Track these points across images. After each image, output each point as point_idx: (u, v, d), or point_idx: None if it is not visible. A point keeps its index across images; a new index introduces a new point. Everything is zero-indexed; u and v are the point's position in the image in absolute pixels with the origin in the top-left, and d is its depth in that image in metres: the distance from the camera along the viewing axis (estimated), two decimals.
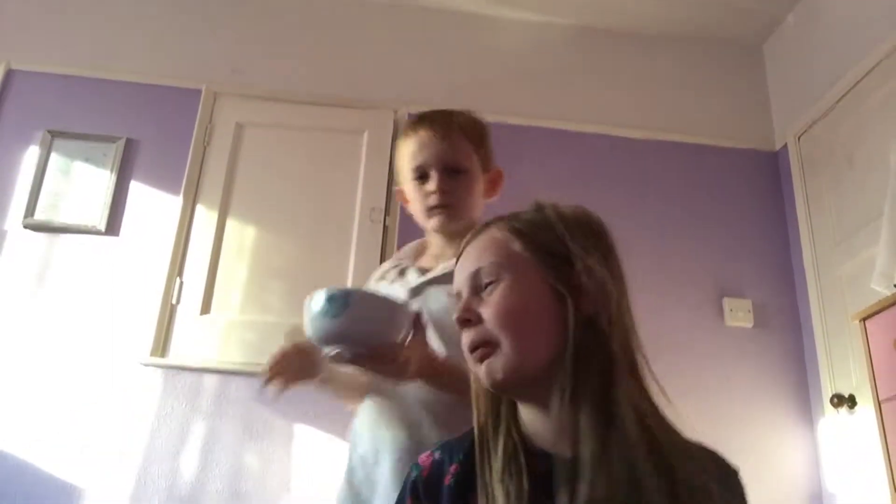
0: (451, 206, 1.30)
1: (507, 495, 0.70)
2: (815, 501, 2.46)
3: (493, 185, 1.39)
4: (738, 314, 2.68)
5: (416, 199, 1.34)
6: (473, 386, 0.82)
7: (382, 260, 2.61)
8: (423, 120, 1.40)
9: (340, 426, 2.40)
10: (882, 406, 1.74)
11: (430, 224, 1.33)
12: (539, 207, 0.83)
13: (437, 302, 1.22)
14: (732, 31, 3.14)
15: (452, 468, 0.77)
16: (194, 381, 2.41)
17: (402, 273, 1.34)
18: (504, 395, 0.78)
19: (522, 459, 0.73)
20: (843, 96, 2.58)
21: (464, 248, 0.85)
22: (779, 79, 3.08)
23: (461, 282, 0.81)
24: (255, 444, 2.33)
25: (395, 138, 2.83)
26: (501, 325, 0.75)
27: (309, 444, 2.36)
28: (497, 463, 0.73)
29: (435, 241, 1.37)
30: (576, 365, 0.73)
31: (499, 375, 0.74)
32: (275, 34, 2.98)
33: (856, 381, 2.33)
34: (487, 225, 0.84)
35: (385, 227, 2.67)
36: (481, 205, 1.36)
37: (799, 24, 2.97)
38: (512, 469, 0.72)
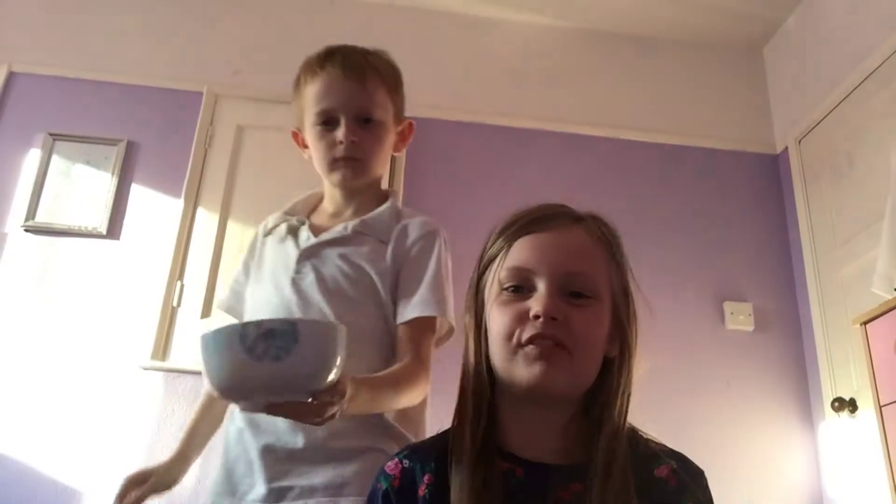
0: (358, 161, 1.17)
1: (484, 501, 0.70)
2: None
3: (404, 137, 1.26)
4: (739, 318, 2.68)
5: (318, 147, 1.19)
6: (466, 385, 0.79)
7: None
8: (333, 56, 1.21)
9: None
10: (883, 410, 1.74)
11: (331, 178, 1.20)
12: (612, 231, 0.83)
13: (332, 266, 1.13)
14: (733, 35, 3.14)
15: (426, 478, 0.75)
16: (195, 385, 2.41)
17: (293, 230, 1.20)
18: (532, 395, 0.75)
19: (500, 465, 0.73)
20: (844, 99, 2.59)
21: (543, 227, 0.79)
22: (779, 82, 3.09)
23: (545, 268, 0.75)
24: None
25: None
26: (584, 341, 0.74)
27: None
28: (473, 470, 0.72)
29: (332, 196, 1.24)
30: (612, 388, 0.76)
31: (561, 383, 0.73)
32: (276, 36, 2.99)
33: (857, 385, 2.32)
34: (578, 219, 0.81)
35: None
36: (389, 159, 1.26)
37: (799, 27, 2.98)
38: (489, 475, 0.72)
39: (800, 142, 2.85)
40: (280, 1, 3.06)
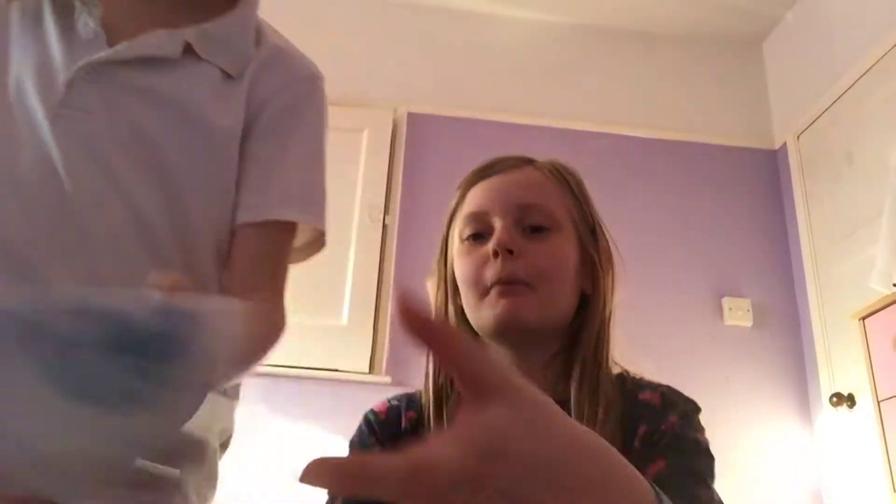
0: None
1: None
2: (813, 500, 2.46)
3: None
4: (738, 313, 2.68)
5: None
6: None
7: (382, 260, 2.61)
8: None
9: (342, 426, 2.40)
10: (881, 405, 1.75)
11: None
12: (569, 170, 0.85)
13: (146, 112, 0.66)
14: (732, 30, 3.13)
15: (410, 414, 0.78)
16: None
17: (63, 8, 0.66)
18: (505, 335, 0.74)
19: None
20: (843, 94, 2.58)
21: (494, 171, 0.80)
22: (778, 77, 3.08)
23: (498, 206, 0.75)
24: (255, 445, 2.33)
25: (394, 137, 2.83)
26: (547, 274, 0.73)
27: (309, 444, 2.36)
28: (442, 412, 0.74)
29: None
30: (585, 326, 0.76)
31: (529, 316, 0.72)
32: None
33: (855, 380, 2.33)
34: (528, 160, 0.82)
35: (384, 226, 2.67)
36: None
37: (798, 22, 2.97)
38: None
39: (799, 137, 2.85)
40: None
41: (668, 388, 0.75)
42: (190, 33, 0.68)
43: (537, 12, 3.11)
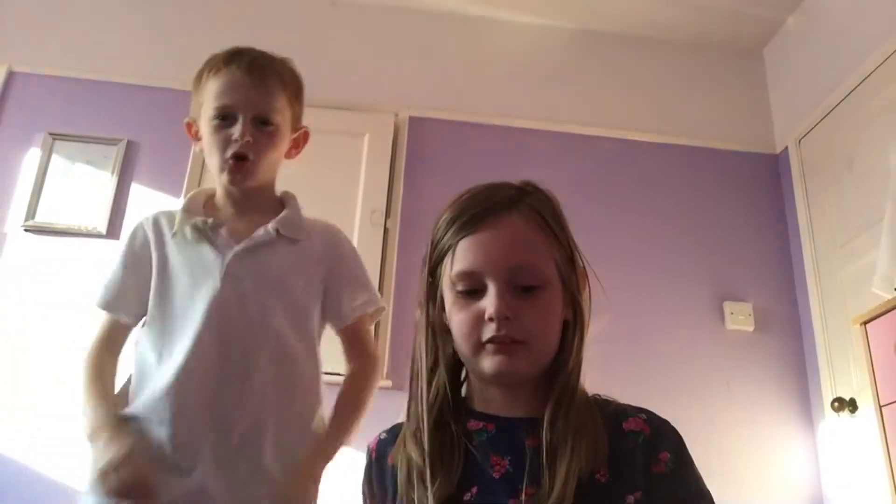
0: (248, 161, 1.19)
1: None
2: None
3: (297, 144, 1.31)
4: (739, 318, 2.68)
5: (212, 141, 1.19)
6: (415, 369, 0.83)
7: (384, 263, 2.61)
8: (239, 56, 1.22)
9: None
10: (883, 410, 1.74)
11: (221, 177, 1.21)
12: (546, 206, 0.83)
13: (275, 269, 1.18)
14: (733, 36, 3.14)
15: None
16: None
17: (199, 230, 1.19)
18: (499, 382, 0.80)
19: (472, 425, 0.80)
20: (844, 100, 2.59)
21: (481, 224, 0.78)
22: (779, 82, 3.09)
23: (490, 267, 0.77)
24: None
25: (396, 141, 2.83)
26: (540, 332, 0.77)
27: None
28: (429, 436, 0.78)
29: (230, 193, 1.24)
30: (565, 351, 0.80)
31: (522, 369, 0.77)
32: (275, 37, 2.97)
33: (857, 384, 2.32)
34: (514, 201, 0.80)
35: (386, 230, 2.67)
36: (280, 164, 1.29)
37: (799, 28, 2.98)
38: (446, 440, 0.78)
39: (800, 142, 2.85)
40: (280, 1, 3.06)
41: (648, 413, 0.79)
42: (278, 225, 1.21)
43: (538, 17, 3.12)
